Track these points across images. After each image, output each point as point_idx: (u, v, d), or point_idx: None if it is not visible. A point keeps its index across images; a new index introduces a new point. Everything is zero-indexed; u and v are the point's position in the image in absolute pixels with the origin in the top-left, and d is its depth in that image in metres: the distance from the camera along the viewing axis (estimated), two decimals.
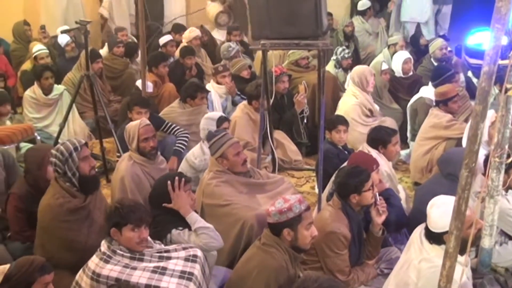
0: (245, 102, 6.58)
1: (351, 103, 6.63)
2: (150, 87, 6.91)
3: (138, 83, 6.81)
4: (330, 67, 8.03)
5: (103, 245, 3.39)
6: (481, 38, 9.04)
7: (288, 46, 5.34)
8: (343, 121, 5.58)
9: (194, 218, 3.85)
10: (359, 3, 10.64)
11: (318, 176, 5.06)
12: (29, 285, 3.07)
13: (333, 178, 4.44)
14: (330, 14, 8.66)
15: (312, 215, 3.82)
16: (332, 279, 3.13)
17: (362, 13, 10.55)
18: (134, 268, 3.29)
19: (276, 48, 5.51)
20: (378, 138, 4.97)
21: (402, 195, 5.03)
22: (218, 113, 5.75)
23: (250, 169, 4.64)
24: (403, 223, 4.53)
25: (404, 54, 7.78)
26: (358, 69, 6.90)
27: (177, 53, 8.60)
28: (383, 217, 4.09)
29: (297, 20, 4.59)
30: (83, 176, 3.94)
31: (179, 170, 5.23)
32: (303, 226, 3.43)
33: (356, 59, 9.28)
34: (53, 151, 3.96)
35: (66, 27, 8.77)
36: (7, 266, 3.12)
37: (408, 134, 6.82)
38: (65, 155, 3.89)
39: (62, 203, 3.88)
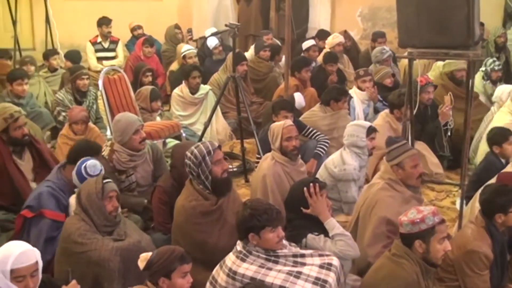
0: (387, 110, 6.47)
1: (505, 121, 6.19)
2: (301, 103, 6.97)
3: (296, 95, 6.89)
4: (477, 79, 7.68)
5: (239, 245, 3.46)
6: None
7: (436, 56, 5.16)
8: None
9: (333, 224, 3.83)
10: None
11: (462, 190, 4.85)
12: (169, 273, 3.15)
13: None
14: (481, 24, 8.29)
15: (449, 231, 3.69)
16: None
17: None
18: (269, 269, 3.34)
19: (423, 57, 5.36)
20: None
21: None
22: (367, 122, 5.64)
23: None
24: None
25: None
26: None
27: (319, 58, 8.63)
28: None
29: (448, 28, 4.43)
30: (216, 179, 4.01)
31: (317, 176, 5.22)
32: (436, 239, 3.33)
33: (507, 72, 8.82)
34: (188, 153, 4.05)
35: (214, 29, 9.07)
36: (150, 253, 3.24)
37: None
38: (198, 158, 3.97)
39: (195, 206, 3.99)
